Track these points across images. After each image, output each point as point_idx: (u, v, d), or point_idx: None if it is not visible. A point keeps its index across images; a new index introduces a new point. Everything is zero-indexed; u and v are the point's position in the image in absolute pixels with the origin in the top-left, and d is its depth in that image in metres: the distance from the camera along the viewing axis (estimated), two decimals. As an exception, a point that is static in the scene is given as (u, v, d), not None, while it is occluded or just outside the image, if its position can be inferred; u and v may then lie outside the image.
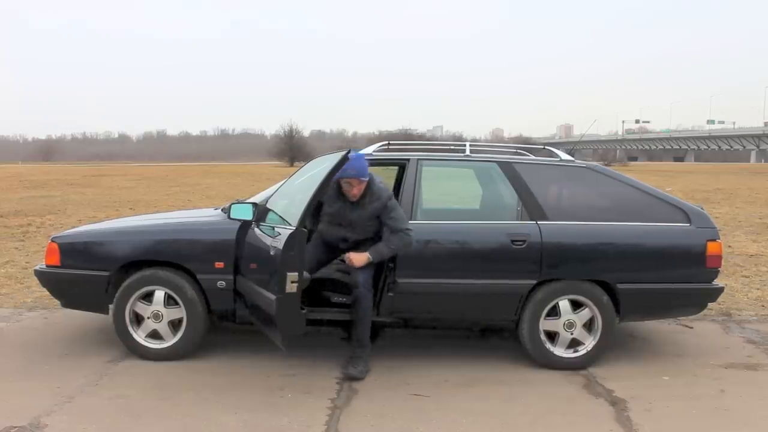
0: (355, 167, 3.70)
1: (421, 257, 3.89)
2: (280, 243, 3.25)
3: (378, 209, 3.82)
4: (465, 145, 4.40)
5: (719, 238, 4.00)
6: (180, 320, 3.96)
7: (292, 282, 3.19)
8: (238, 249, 3.85)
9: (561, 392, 3.58)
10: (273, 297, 3.24)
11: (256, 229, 3.73)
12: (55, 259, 4.07)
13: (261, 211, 3.76)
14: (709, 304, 4.19)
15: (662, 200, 4.07)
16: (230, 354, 4.10)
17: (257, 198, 4.24)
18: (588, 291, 3.89)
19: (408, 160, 4.19)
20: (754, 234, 9.86)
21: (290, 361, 3.98)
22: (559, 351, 3.93)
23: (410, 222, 3.94)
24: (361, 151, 4.41)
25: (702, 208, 4.15)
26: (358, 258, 3.77)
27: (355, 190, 3.79)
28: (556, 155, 4.34)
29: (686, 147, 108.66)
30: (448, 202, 5.71)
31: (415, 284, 3.87)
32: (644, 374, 3.87)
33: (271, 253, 3.32)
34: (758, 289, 6.12)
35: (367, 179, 3.81)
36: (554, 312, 3.92)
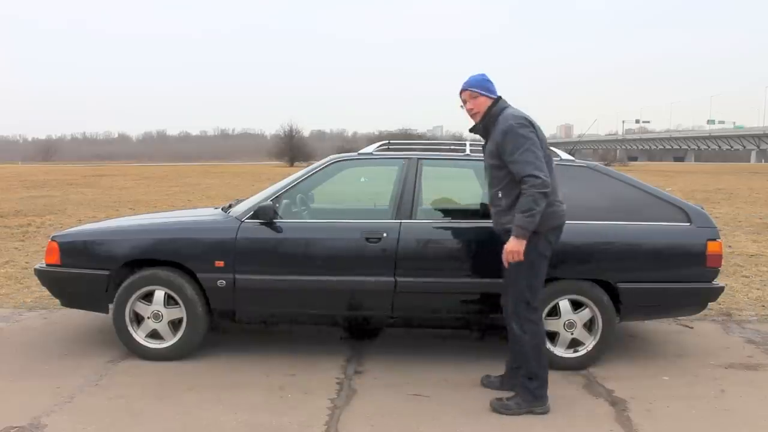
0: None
1: (421, 256, 3.89)
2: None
3: (498, 140, 3.20)
4: (465, 145, 4.40)
5: (719, 238, 4.00)
6: (180, 320, 3.96)
7: None
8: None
9: (561, 392, 3.58)
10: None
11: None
12: (55, 258, 4.07)
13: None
14: (709, 303, 4.19)
15: (663, 200, 4.07)
16: (230, 354, 4.10)
17: (258, 197, 4.25)
18: (588, 291, 3.89)
19: (408, 159, 4.19)
20: (754, 234, 9.85)
21: (290, 361, 3.99)
22: (560, 351, 3.92)
23: (410, 222, 3.94)
24: (362, 151, 4.43)
25: (702, 208, 4.15)
26: (510, 247, 3.14)
27: (467, 105, 3.33)
28: (557, 155, 4.33)
29: (686, 147, 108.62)
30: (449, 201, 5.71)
31: (416, 283, 3.87)
32: (644, 374, 3.87)
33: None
34: (758, 289, 6.12)
35: (479, 92, 3.28)
36: (554, 312, 3.91)
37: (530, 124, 3.21)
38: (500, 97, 3.35)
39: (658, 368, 3.97)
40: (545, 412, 3.27)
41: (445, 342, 4.44)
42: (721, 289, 4.07)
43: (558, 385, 3.68)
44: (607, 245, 3.93)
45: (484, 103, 3.31)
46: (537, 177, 3.10)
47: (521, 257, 3.15)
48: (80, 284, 4.06)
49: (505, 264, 3.22)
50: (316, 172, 4.28)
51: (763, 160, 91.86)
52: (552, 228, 3.27)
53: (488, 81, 3.35)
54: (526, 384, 3.31)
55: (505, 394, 3.39)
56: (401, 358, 4.07)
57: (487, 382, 3.64)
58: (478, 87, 3.32)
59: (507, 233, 3.22)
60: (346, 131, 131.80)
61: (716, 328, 4.88)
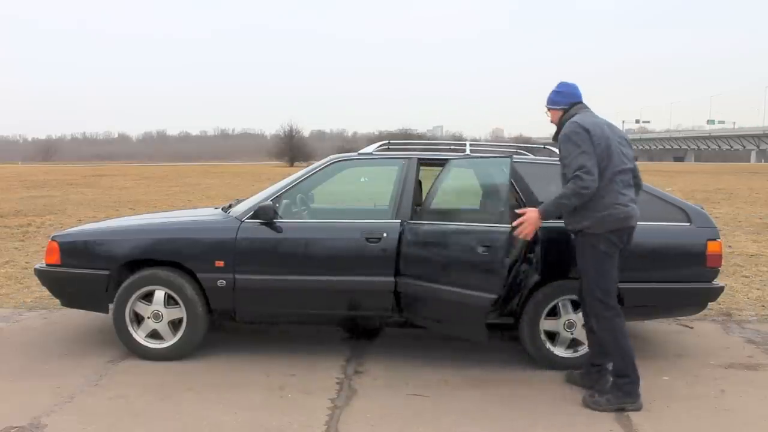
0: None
1: (422, 257, 3.89)
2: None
3: (559, 147, 3.46)
4: (465, 145, 4.41)
5: (719, 238, 4.00)
6: (180, 320, 3.96)
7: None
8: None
9: (561, 392, 3.58)
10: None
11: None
12: (56, 258, 4.07)
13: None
14: (709, 303, 4.19)
15: (663, 200, 4.07)
16: (230, 354, 4.10)
17: (258, 197, 4.25)
18: (588, 291, 3.88)
19: (408, 159, 4.19)
20: (754, 234, 9.85)
21: (290, 361, 3.99)
22: (560, 351, 3.92)
23: (410, 222, 3.95)
24: (362, 151, 4.43)
25: (702, 208, 4.16)
26: (527, 215, 3.37)
27: (549, 119, 3.64)
28: (557, 155, 4.33)
29: (686, 147, 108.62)
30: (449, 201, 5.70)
31: (416, 284, 3.87)
32: (644, 374, 3.84)
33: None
34: (758, 289, 6.12)
35: (549, 107, 3.60)
36: (554, 312, 3.92)
37: (584, 130, 3.33)
38: (573, 105, 3.52)
39: (658, 368, 3.97)
40: (637, 409, 3.31)
41: (445, 342, 4.44)
42: (721, 289, 4.07)
43: (558, 385, 3.69)
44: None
45: (555, 115, 3.60)
46: (581, 178, 3.26)
47: (529, 228, 3.36)
48: (80, 284, 4.06)
49: (522, 232, 3.40)
50: (316, 172, 4.28)
51: (763, 160, 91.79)
52: (612, 230, 3.33)
53: (558, 92, 3.58)
54: (615, 381, 3.39)
55: (599, 389, 3.47)
56: (401, 358, 4.07)
57: (570, 378, 3.71)
58: (549, 103, 3.61)
59: (575, 233, 3.43)
60: (346, 131, 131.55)
61: (716, 328, 4.88)
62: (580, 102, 3.55)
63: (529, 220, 3.34)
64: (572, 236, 3.50)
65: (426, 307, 3.82)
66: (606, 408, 3.32)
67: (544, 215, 3.37)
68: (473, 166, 4.19)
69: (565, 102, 3.55)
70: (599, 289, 3.36)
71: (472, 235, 3.57)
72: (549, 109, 3.62)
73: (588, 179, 3.24)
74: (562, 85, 3.59)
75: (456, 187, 4.16)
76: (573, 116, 3.46)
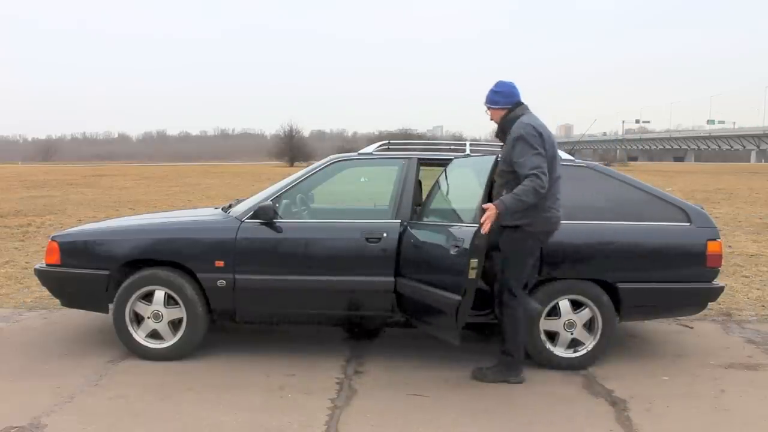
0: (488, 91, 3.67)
1: (421, 257, 3.89)
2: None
3: (509, 146, 3.52)
4: (465, 145, 4.41)
5: (719, 238, 4.00)
6: (180, 320, 3.96)
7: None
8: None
9: (561, 392, 3.58)
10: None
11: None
12: (56, 258, 4.07)
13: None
14: (709, 303, 4.19)
15: (663, 200, 4.07)
16: (230, 354, 4.10)
17: (258, 197, 4.25)
18: (588, 291, 3.89)
19: (408, 159, 4.19)
20: (754, 234, 9.85)
21: (290, 361, 3.99)
22: (559, 351, 3.92)
23: (410, 221, 3.95)
24: (362, 151, 4.43)
25: (702, 208, 4.16)
26: (488, 211, 3.32)
27: (489, 116, 3.72)
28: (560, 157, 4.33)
29: (686, 147, 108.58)
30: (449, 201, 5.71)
31: (414, 285, 3.87)
32: (644, 374, 3.87)
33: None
34: (758, 289, 6.12)
35: (489, 106, 3.67)
36: (554, 312, 3.91)
37: (538, 134, 3.46)
38: (517, 105, 3.62)
39: (658, 368, 3.97)
40: (520, 382, 3.65)
41: (444, 342, 4.43)
42: (721, 289, 4.08)
43: (558, 384, 3.69)
44: (607, 245, 3.93)
45: (497, 114, 3.68)
46: (539, 177, 3.38)
47: (489, 222, 3.32)
48: (80, 284, 4.06)
49: (483, 227, 3.33)
50: (316, 172, 4.28)
51: (763, 160, 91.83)
52: (545, 231, 3.60)
53: (497, 92, 3.66)
54: (503, 358, 3.69)
55: (485, 364, 3.77)
56: (401, 358, 4.07)
57: (477, 375, 3.75)
58: (488, 102, 3.69)
59: (503, 228, 3.55)
60: (346, 131, 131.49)
61: (716, 328, 4.88)
62: (521, 102, 3.64)
63: (487, 216, 3.34)
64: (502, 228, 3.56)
65: (412, 305, 3.83)
66: (491, 380, 3.65)
67: (503, 212, 3.38)
68: (464, 166, 4.19)
69: (505, 101, 3.64)
70: (513, 281, 3.58)
71: (445, 234, 3.62)
72: (489, 108, 3.69)
73: (545, 179, 3.38)
74: (500, 84, 3.68)
75: (447, 187, 4.14)
76: (520, 117, 3.56)
